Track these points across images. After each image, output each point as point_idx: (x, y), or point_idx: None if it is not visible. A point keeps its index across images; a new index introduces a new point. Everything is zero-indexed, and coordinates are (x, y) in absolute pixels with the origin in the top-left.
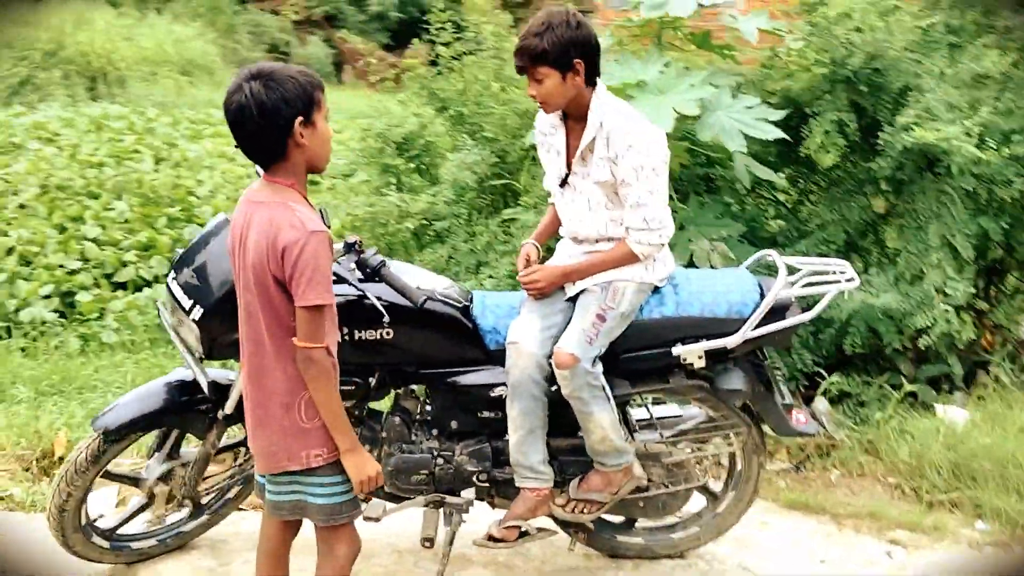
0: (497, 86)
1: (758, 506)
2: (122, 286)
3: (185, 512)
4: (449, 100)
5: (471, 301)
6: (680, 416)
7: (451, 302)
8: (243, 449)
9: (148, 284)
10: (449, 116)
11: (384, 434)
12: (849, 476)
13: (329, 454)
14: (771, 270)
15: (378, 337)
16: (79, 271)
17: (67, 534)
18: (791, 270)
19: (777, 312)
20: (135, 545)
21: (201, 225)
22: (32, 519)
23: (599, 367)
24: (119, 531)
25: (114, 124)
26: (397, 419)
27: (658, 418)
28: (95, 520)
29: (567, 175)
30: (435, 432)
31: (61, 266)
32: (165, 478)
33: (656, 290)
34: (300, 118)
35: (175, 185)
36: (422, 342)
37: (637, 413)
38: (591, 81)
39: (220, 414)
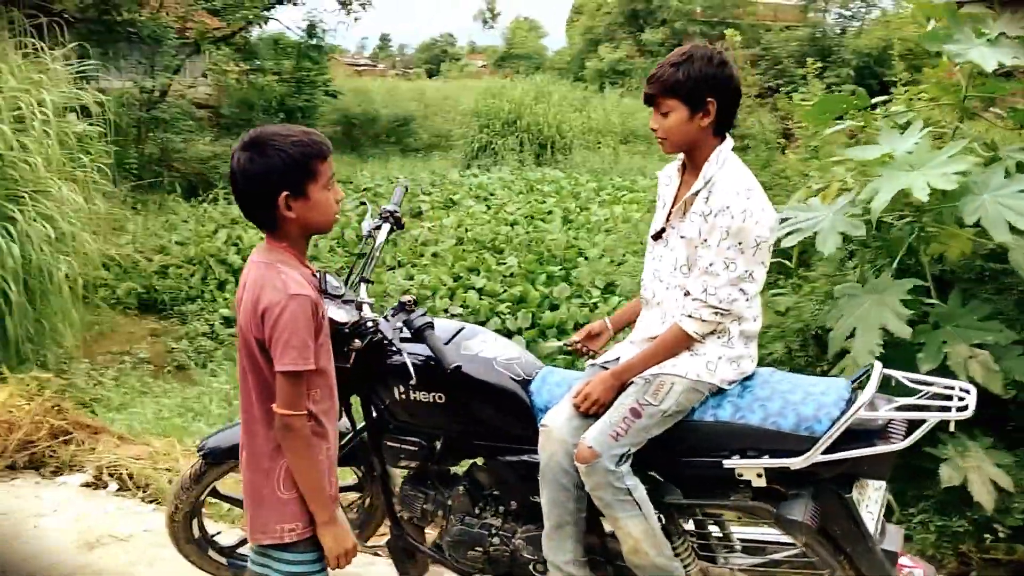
0: None
1: None
2: None
3: None
4: None
5: (533, 375)
6: (770, 543)
7: (508, 373)
8: (361, 494)
9: (509, 334)
10: None
11: (450, 501)
12: None
13: (304, 529)
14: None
15: (431, 400)
16: (455, 316)
17: (180, 543)
18: (894, 389)
19: (864, 436)
20: None
21: (572, 284)
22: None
23: (625, 467)
24: (239, 550)
25: (545, 187)
26: (462, 488)
27: (741, 540)
28: (213, 535)
29: (663, 228)
30: (499, 509)
31: (445, 311)
32: None
33: (720, 391)
34: (286, 192)
35: (569, 245)
36: (473, 411)
37: (718, 529)
38: (720, 131)
39: None
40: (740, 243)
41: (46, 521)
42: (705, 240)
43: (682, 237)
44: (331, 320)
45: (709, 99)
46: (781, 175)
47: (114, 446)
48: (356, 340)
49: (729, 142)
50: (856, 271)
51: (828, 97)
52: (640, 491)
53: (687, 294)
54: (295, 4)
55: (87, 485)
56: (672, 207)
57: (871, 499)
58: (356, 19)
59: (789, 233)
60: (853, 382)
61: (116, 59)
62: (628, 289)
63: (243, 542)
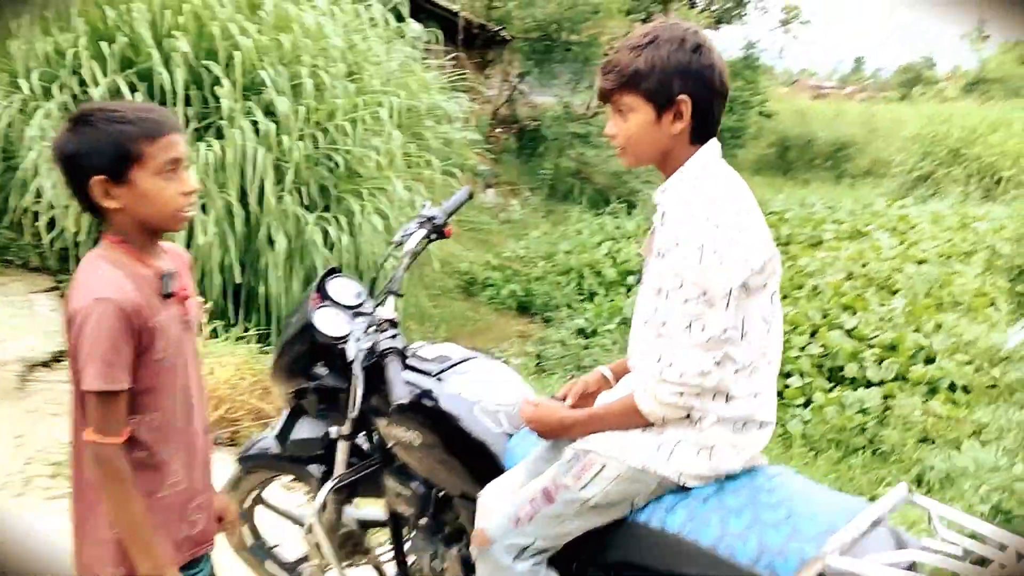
0: None
1: None
2: (842, 380)
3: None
4: None
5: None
6: None
7: (488, 422)
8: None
9: (869, 385)
10: None
11: (445, 565)
12: None
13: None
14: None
15: (410, 440)
16: (804, 357)
17: (237, 550)
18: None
19: None
20: None
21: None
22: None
23: (524, 565)
24: (299, 568)
25: (980, 225)
26: (454, 552)
27: None
28: (272, 547)
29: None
30: None
31: (803, 348)
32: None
33: (683, 489)
34: (100, 176)
35: (983, 293)
36: (446, 461)
37: None
38: (699, 138)
39: (331, 480)
40: (704, 293)
41: None
42: (659, 288)
43: (646, 285)
44: (319, 332)
45: (681, 97)
46: None
47: None
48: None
49: (711, 150)
50: None
51: None
52: None
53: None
54: (739, 21)
55: None
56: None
57: None
58: (794, 37)
59: None
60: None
61: (550, 77)
62: None
63: (300, 561)
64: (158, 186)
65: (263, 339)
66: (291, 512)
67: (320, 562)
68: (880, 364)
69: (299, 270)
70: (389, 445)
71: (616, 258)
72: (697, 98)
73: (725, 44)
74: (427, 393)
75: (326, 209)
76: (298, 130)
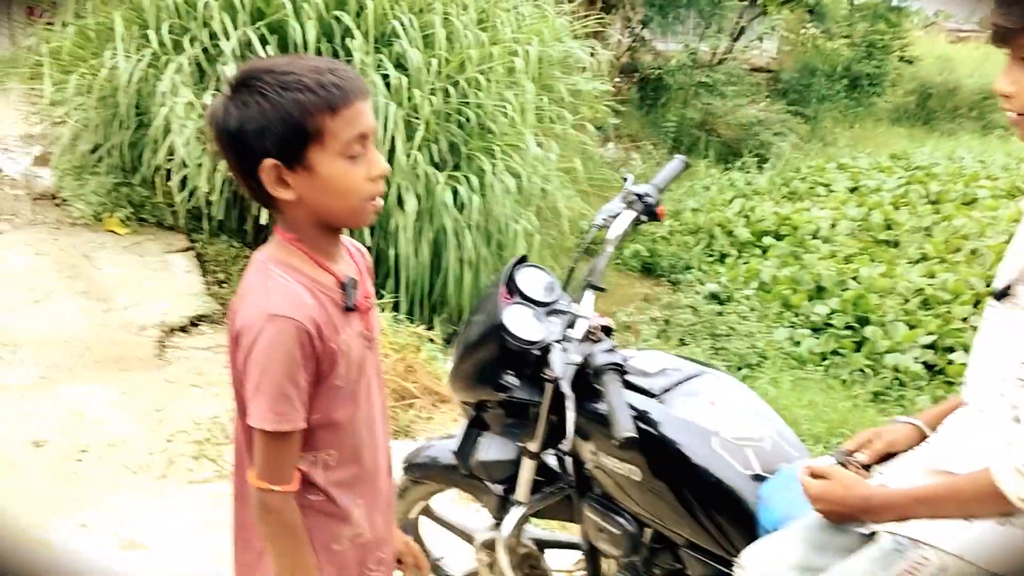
0: None
1: None
2: None
3: None
4: None
5: (774, 472)
6: None
7: (731, 459)
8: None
9: None
10: None
11: None
12: None
13: None
14: None
15: (625, 473)
16: (969, 330)
17: None
18: None
19: None
20: None
21: None
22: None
23: None
24: None
25: None
26: None
27: None
28: (437, 560)
29: (1014, 281)
30: None
31: (964, 319)
32: (491, 546)
33: None
34: (272, 160)
35: None
36: (674, 503)
37: None
38: None
39: (512, 497)
40: None
41: None
42: None
43: None
44: (512, 336)
45: None
46: None
47: (451, 419)
48: (550, 368)
49: None
50: None
51: None
52: None
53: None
54: None
55: None
56: None
57: None
58: None
59: None
60: None
61: (675, 23)
62: None
63: (473, 574)
64: (342, 170)
65: (396, 307)
66: (461, 525)
67: None
68: None
69: (428, 232)
70: (591, 471)
71: (750, 216)
72: None
73: None
74: (651, 420)
75: (456, 168)
76: (429, 84)
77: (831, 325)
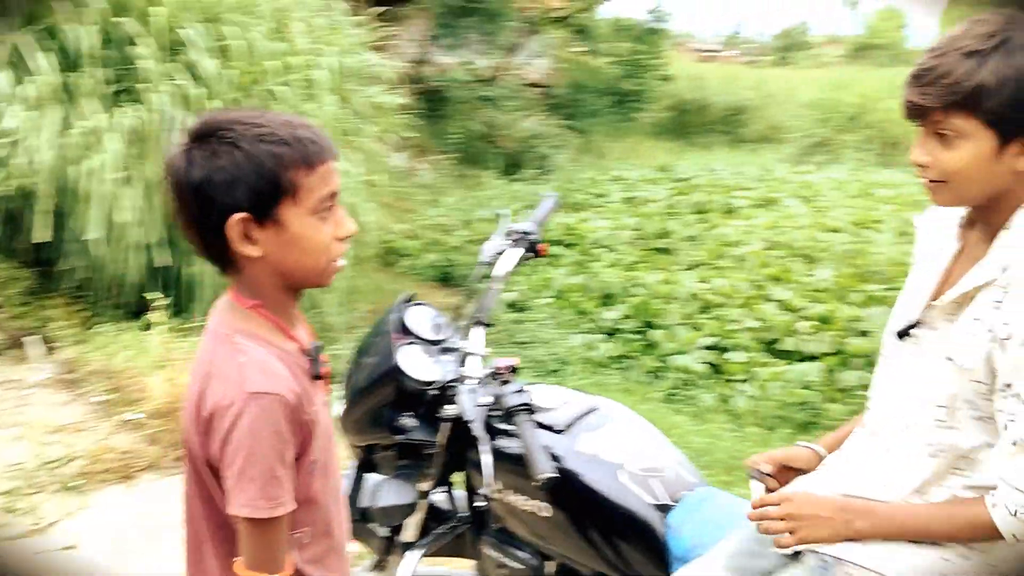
0: None
1: None
2: (781, 354)
3: None
4: None
5: (678, 500)
6: None
7: (638, 490)
8: None
9: (807, 359)
10: None
11: None
12: None
13: None
14: None
15: (532, 510)
16: (742, 331)
17: None
18: None
19: None
20: None
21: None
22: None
23: None
24: None
25: (881, 192)
26: None
27: None
28: None
29: (916, 322)
30: None
31: (734, 320)
32: None
33: None
34: (242, 214)
35: (900, 263)
36: (583, 536)
37: None
38: None
39: (397, 539)
40: None
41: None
42: (1007, 382)
43: (948, 357)
44: (410, 378)
45: None
46: None
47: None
48: (448, 407)
49: None
50: None
51: None
52: None
53: (998, 480)
54: None
55: None
56: (939, 290)
57: None
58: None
59: None
60: None
61: (457, 36)
62: None
63: None
64: (313, 227)
65: None
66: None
67: None
68: (816, 337)
69: None
70: (493, 508)
71: None
72: None
73: (617, 7)
74: (559, 456)
75: None
76: (226, 95)
77: (621, 330)
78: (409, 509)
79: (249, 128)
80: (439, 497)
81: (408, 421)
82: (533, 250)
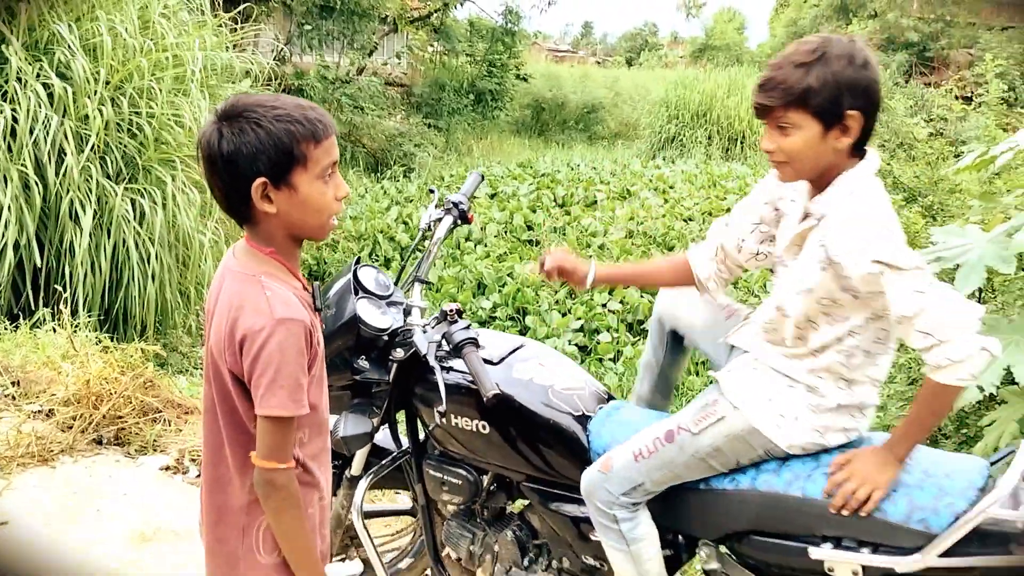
0: None
1: None
2: (644, 333)
3: (356, 569)
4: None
5: (596, 411)
6: None
7: (565, 406)
8: (411, 519)
9: None
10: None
11: (497, 547)
12: None
13: None
14: None
15: (474, 429)
16: (608, 314)
17: None
18: None
19: (996, 539)
20: None
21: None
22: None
23: (628, 499)
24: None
25: (728, 183)
26: (510, 535)
27: None
28: None
29: (777, 259)
30: (551, 564)
31: (603, 305)
32: None
33: (812, 456)
34: (263, 179)
35: None
36: (520, 448)
37: None
38: (857, 150)
39: (346, 474)
40: (901, 267)
41: (111, 505)
42: (863, 292)
43: (799, 280)
44: (367, 325)
45: (850, 112)
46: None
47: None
48: (398, 350)
49: (870, 163)
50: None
51: (988, 160)
52: (637, 531)
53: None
54: None
55: (166, 468)
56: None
57: None
58: (550, 3)
59: (931, 261)
60: (993, 463)
61: (317, 35)
62: None
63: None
64: (319, 190)
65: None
66: None
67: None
68: None
69: (107, 246)
70: (436, 434)
71: (408, 223)
72: (866, 113)
73: (472, 8)
74: (498, 382)
75: (132, 180)
76: (97, 94)
77: (496, 317)
78: (368, 438)
79: (268, 110)
80: (380, 436)
81: (363, 363)
82: (464, 218)
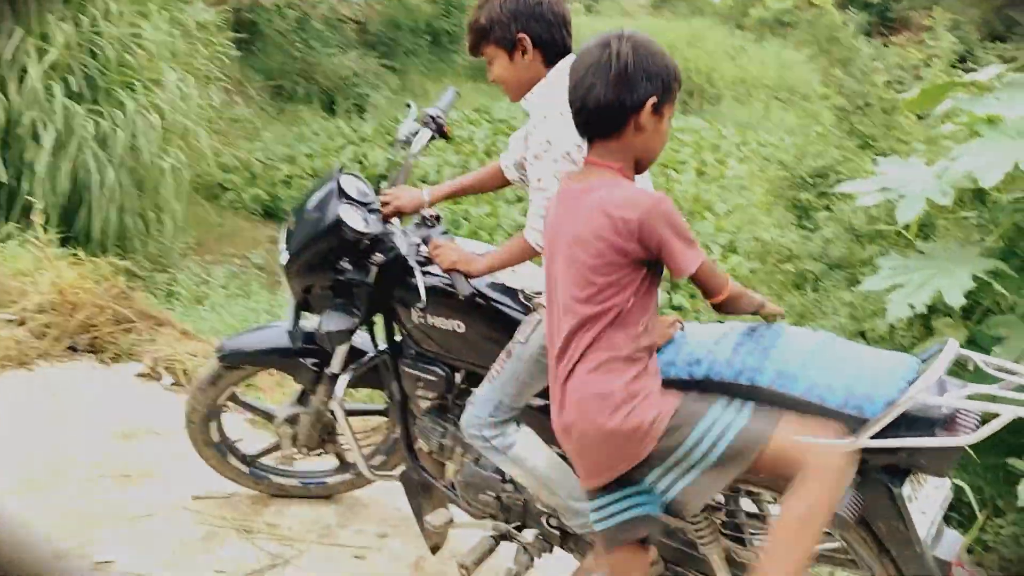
0: None
1: None
2: None
3: (330, 465)
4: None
5: None
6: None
7: (531, 306)
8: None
9: None
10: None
11: (465, 440)
12: None
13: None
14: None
15: (451, 328)
16: None
17: (199, 445)
18: (972, 375)
19: (923, 424)
20: (275, 479)
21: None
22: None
23: (492, 418)
24: (260, 460)
25: (684, 136)
26: None
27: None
28: (235, 442)
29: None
30: None
31: None
32: (292, 421)
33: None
34: (654, 99)
35: (697, 199)
36: (493, 346)
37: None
38: (551, 60)
39: (327, 371)
40: (568, 152)
41: (90, 407)
42: (534, 154)
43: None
44: (350, 228)
45: (520, 35)
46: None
47: (175, 340)
48: (377, 254)
49: (561, 67)
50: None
51: (933, 88)
52: (508, 439)
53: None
54: None
55: (141, 376)
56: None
57: (928, 498)
58: None
59: (876, 191)
60: (923, 360)
61: None
62: (750, 248)
63: (266, 451)
64: (666, 127)
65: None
66: (262, 407)
67: (287, 452)
68: None
69: (65, 165)
70: (413, 333)
71: (364, 162)
72: (533, 32)
73: None
74: (473, 285)
75: (94, 102)
76: (57, 11)
77: None
78: (348, 335)
79: (657, 47)
80: (358, 339)
81: (345, 264)
82: (441, 132)
